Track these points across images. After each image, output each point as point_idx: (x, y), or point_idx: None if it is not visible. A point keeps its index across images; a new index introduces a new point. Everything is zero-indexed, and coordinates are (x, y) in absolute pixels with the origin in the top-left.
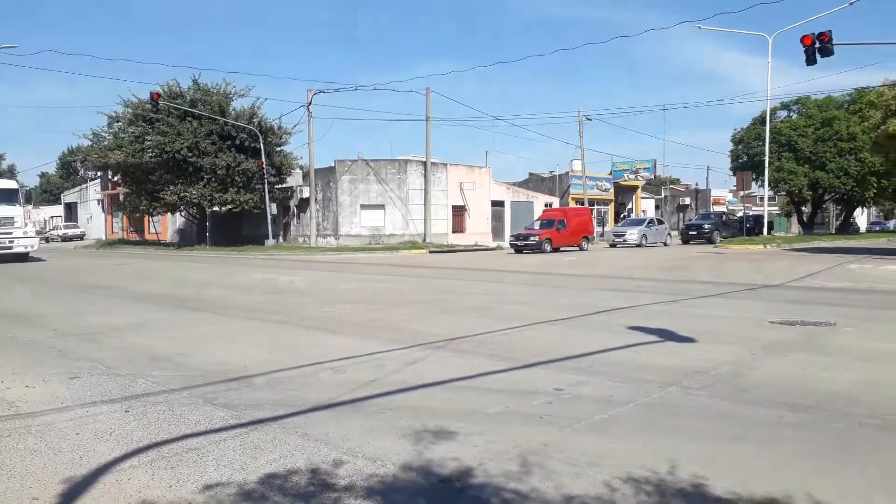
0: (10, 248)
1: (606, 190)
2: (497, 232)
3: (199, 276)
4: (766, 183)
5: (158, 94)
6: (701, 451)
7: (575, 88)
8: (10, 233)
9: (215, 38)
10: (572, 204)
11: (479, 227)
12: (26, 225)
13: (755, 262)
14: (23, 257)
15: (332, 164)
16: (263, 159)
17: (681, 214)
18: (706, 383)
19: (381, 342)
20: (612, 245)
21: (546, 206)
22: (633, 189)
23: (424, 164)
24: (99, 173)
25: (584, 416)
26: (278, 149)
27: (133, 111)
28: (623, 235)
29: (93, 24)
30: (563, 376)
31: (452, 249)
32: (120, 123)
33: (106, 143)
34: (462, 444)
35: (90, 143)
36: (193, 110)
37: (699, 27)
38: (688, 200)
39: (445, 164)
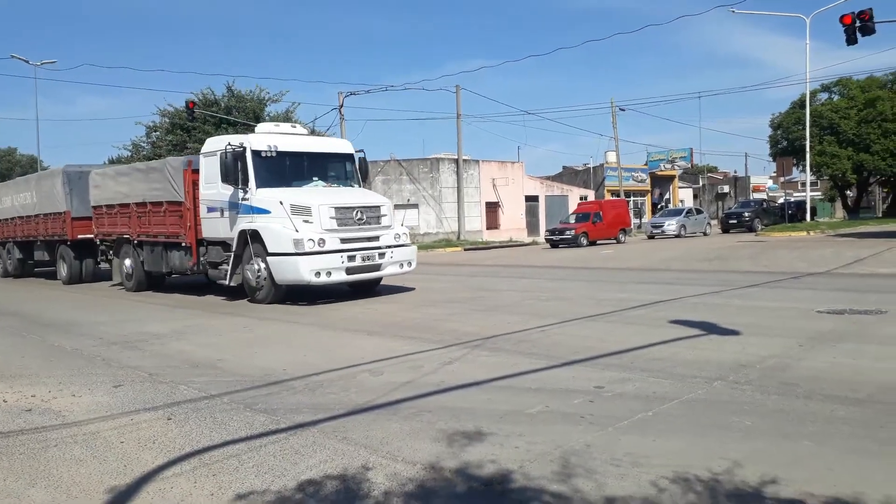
0: (378, 267)
1: (642, 181)
2: (532, 227)
3: None
4: (808, 168)
5: (194, 103)
6: (752, 450)
7: (607, 79)
8: (377, 236)
9: (246, 45)
10: (608, 196)
11: (513, 222)
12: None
13: (799, 249)
14: (370, 286)
15: None
16: None
17: (720, 203)
18: (753, 377)
19: (417, 342)
20: (651, 237)
21: (581, 199)
22: (670, 179)
23: (456, 161)
24: None
25: (627, 414)
26: None
27: (170, 120)
28: (661, 226)
29: (126, 36)
30: (604, 374)
31: (487, 246)
32: (158, 133)
33: (145, 152)
34: (502, 445)
35: (129, 153)
36: (229, 117)
37: (733, 11)
38: (727, 189)
39: (478, 161)
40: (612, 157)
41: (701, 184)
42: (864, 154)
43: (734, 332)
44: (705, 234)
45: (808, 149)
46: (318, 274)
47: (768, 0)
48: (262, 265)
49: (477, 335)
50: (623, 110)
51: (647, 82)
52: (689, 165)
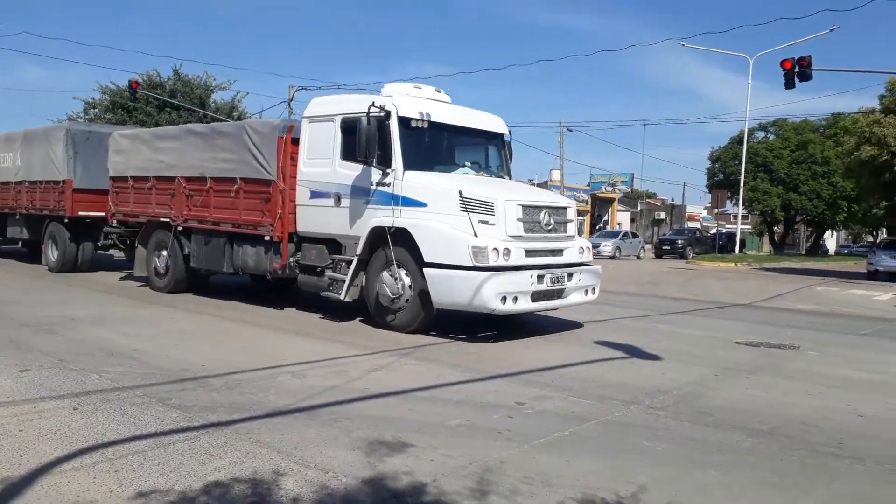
0: (562, 293)
1: (584, 201)
2: None
3: None
4: (741, 202)
5: (137, 83)
6: (661, 476)
7: (557, 98)
8: (562, 249)
9: (198, 30)
10: None
11: None
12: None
13: (726, 280)
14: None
15: None
16: None
17: (656, 229)
18: (668, 403)
19: (344, 346)
20: None
21: None
22: (610, 201)
23: None
24: None
25: (544, 432)
26: None
27: (111, 98)
28: (598, 247)
29: (72, 8)
30: (527, 390)
31: None
32: (97, 110)
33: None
34: (418, 457)
35: None
36: (173, 101)
37: (683, 45)
38: (663, 215)
39: None
40: (556, 175)
41: (639, 208)
42: (793, 193)
43: (655, 357)
44: (639, 257)
45: (741, 184)
46: (504, 300)
47: (716, 37)
48: (407, 279)
49: (407, 343)
50: (570, 131)
51: (597, 105)
52: (630, 190)
